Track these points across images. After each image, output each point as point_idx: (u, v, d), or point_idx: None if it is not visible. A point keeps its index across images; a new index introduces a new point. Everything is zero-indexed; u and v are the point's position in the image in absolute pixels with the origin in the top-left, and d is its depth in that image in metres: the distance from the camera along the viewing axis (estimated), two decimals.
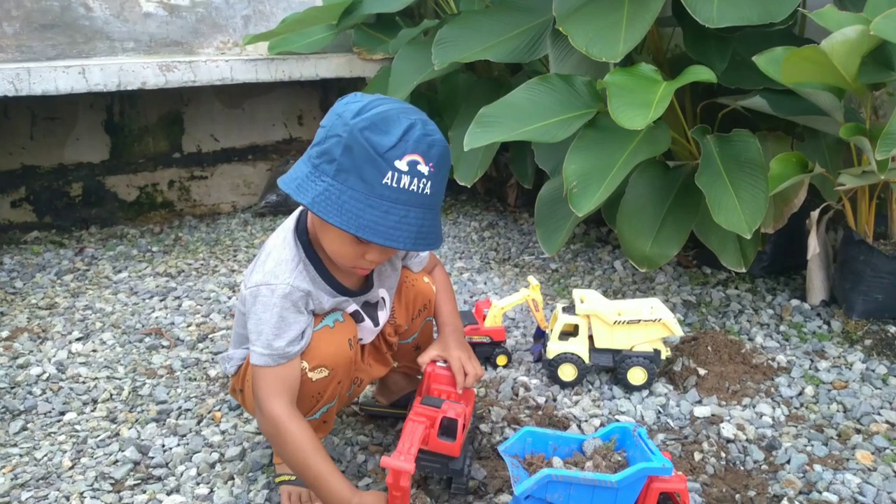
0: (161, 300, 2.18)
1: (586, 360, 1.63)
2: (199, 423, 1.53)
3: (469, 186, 2.43)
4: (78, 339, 1.92)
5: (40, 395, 1.65)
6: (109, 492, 1.31)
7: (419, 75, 2.48)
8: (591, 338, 1.65)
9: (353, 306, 1.25)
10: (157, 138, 3.12)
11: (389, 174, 1.03)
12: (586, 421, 1.51)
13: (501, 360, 1.75)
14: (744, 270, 1.93)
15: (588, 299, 1.67)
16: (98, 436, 1.49)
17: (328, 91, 3.37)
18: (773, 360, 1.74)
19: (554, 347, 1.63)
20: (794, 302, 2.02)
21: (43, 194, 2.94)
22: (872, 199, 1.89)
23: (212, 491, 1.31)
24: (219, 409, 1.57)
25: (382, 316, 1.31)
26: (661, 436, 1.47)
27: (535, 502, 1.11)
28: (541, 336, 1.79)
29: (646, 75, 1.79)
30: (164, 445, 1.45)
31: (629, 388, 1.63)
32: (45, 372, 1.74)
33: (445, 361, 1.32)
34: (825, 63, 1.57)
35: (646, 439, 1.18)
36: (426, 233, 1.07)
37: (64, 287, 2.30)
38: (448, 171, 1.12)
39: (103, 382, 1.70)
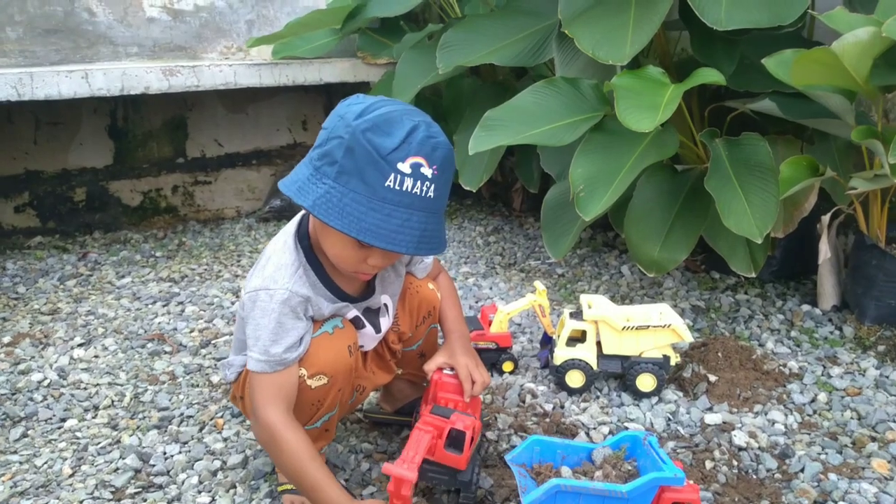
0: (164, 305, 2.17)
1: (594, 367, 1.60)
2: (201, 430, 1.51)
3: (474, 191, 2.41)
4: (80, 345, 1.91)
5: (41, 401, 1.63)
6: (109, 500, 1.29)
7: (423, 79, 2.47)
8: (599, 344, 1.63)
9: (353, 312, 1.22)
10: (161, 143, 3.11)
11: (392, 177, 1.01)
12: (595, 428, 1.49)
13: (508, 366, 1.73)
14: (753, 275, 1.90)
15: (596, 304, 1.64)
16: (99, 443, 1.47)
17: (332, 96, 3.36)
18: (785, 366, 1.71)
19: (561, 353, 1.61)
20: (805, 307, 1.99)
21: (46, 199, 2.92)
22: (885, 202, 1.86)
23: (213, 500, 1.29)
24: (221, 416, 1.55)
25: (384, 322, 1.29)
26: (671, 443, 1.44)
27: None
28: (548, 342, 1.77)
29: (653, 78, 1.77)
30: (165, 453, 1.43)
31: (638, 395, 1.60)
32: (46, 378, 1.72)
33: (452, 369, 1.30)
34: (836, 65, 1.55)
35: (657, 448, 1.15)
36: (429, 237, 1.05)
37: (67, 292, 2.29)
38: (452, 175, 1.10)
39: (105, 389, 1.68)
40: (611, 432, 1.48)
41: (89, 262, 2.57)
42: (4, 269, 2.47)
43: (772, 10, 1.70)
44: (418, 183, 1.02)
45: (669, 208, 1.93)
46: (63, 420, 1.56)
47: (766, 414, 1.54)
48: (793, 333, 1.88)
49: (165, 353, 1.86)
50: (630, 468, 1.17)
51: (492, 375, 1.71)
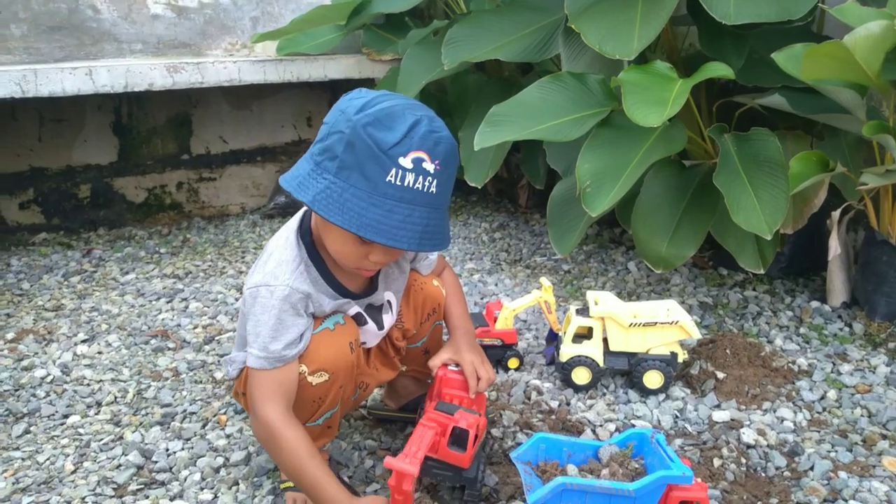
0: (168, 302, 2.16)
1: (601, 364, 1.59)
2: (204, 426, 1.50)
3: (479, 187, 2.39)
4: (83, 341, 1.90)
5: (44, 397, 1.62)
6: (112, 497, 1.28)
7: (428, 75, 2.45)
8: (605, 340, 1.61)
9: (355, 308, 1.21)
10: (166, 140, 3.10)
11: (393, 172, 1.00)
12: (601, 426, 1.47)
13: (513, 363, 1.71)
14: (762, 272, 1.88)
15: (602, 301, 1.62)
16: (101, 439, 1.46)
17: (337, 92, 3.34)
18: (794, 363, 1.69)
19: (567, 350, 1.59)
20: (814, 304, 1.97)
21: (51, 196, 2.92)
22: None
23: (216, 496, 1.28)
24: (224, 413, 1.54)
25: (387, 319, 1.28)
26: (678, 441, 1.42)
27: None
28: (553, 338, 1.75)
29: (661, 73, 1.75)
30: (168, 449, 1.42)
31: (645, 392, 1.58)
32: (49, 374, 1.71)
33: (457, 365, 1.28)
34: (847, 59, 1.52)
35: (664, 446, 1.14)
36: (432, 233, 1.03)
37: (71, 289, 2.28)
38: (456, 170, 1.08)
39: (108, 385, 1.67)
40: (617, 430, 1.46)
41: (93, 258, 2.56)
42: (9, 265, 2.47)
43: (781, 4, 1.68)
44: (420, 178, 1.01)
45: (677, 204, 1.91)
46: (66, 416, 1.55)
47: (774, 411, 1.52)
48: (802, 330, 1.86)
49: (169, 349, 1.86)
50: (637, 466, 1.16)
51: (497, 372, 1.69)
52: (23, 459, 1.40)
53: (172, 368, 1.75)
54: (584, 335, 1.62)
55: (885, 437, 1.42)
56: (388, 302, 1.27)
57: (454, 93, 2.79)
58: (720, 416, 1.49)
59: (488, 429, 1.41)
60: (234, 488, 1.30)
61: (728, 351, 1.67)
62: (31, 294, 2.24)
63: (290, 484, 1.22)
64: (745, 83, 1.92)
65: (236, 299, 2.16)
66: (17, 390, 1.65)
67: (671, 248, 1.87)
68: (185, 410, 1.56)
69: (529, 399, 1.58)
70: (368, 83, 2.98)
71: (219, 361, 1.78)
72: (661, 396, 1.58)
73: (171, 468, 1.36)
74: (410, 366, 1.42)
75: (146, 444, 1.44)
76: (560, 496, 1.06)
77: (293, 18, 2.81)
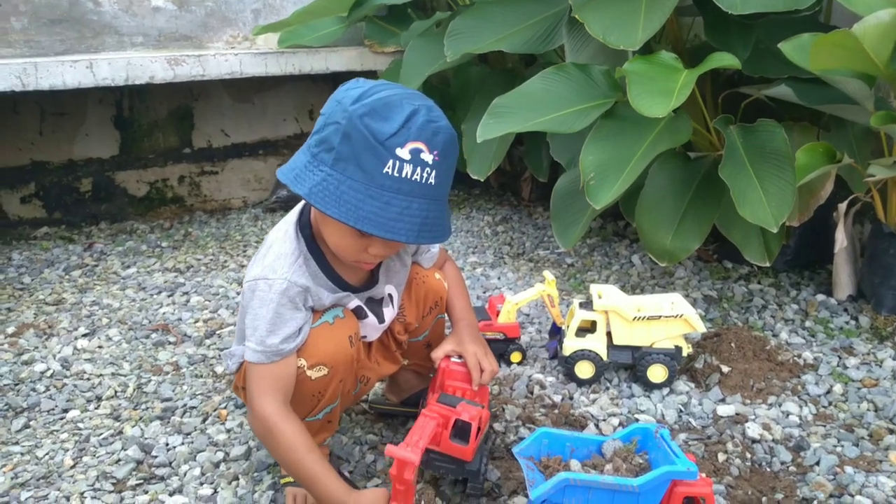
0: (169, 296, 2.15)
1: (604, 357, 1.57)
2: (204, 421, 1.49)
3: (482, 180, 2.38)
4: (84, 336, 1.89)
5: (44, 392, 1.61)
6: (111, 492, 1.27)
7: (431, 67, 2.43)
8: (609, 334, 1.59)
9: (355, 302, 1.20)
10: (167, 133, 3.09)
11: (390, 163, 0.98)
12: (604, 420, 1.46)
13: (516, 356, 1.70)
14: (768, 265, 1.86)
15: (606, 294, 1.61)
16: (101, 434, 1.45)
17: (339, 85, 3.32)
18: (799, 356, 1.67)
19: (571, 344, 1.58)
20: (820, 297, 1.95)
21: (52, 190, 2.91)
22: None
23: (215, 491, 1.27)
24: (225, 407, 1.53)
25: (388, 313, 1.26)
26: (682, 435, 1.41)
27: None
28: (556, 332, 1.74)
29: (666, 63, 1.73)
30: (167, 444, 1.41)
31: (649, 386, 1.57)
32: (49, 368, 1.70)
33: (460, 357, 1.27)
34: (856, 48, 1.50)
35: (669, 441, 1.12)
36: (431, 225, 1.01)
37: (72, 283, 2.27)
38: (455, 161, 1.06)
39: (108, 379, 1.66)
40: (621, 424, 1.45)
41: (95, 252, 2.55)
42: (10, 259, 2.46)
43: None
44: (418, 169, 0.99)
45: (682, 196, 1.89)
46: (65, 411, 1.54)
47: (780, 405, 1.50)
48: (807, 324, 1.84)
49: (170, 343, 1.85)
50: (641, 461, 1.14)
51: (499, 366, 1.68)
52: (22, 454, 1.39)
53: (173, 363, 1.74)
54: (587, 329, 1.60)
55: (892, 431, 1.41)
56: (390, 295, 1.26)
57: (457, 85, 2.76)
58: (725, 410, 1.48)
59: (491, 423, 1.40)
60: (234, 483, 1.29)
61: (733, 345, 1.65)
62: (32, 288, 2.23)
63: (291, 479, 1.21)
64: (751, 74, 1.90)
65: (237, 293, 2.15)
66: (16, 384, 1.64)
67: (676, 240, 1.85)
68: (185, 405, 1.55)
69: (532, 393, 1.56)
70: (371, 75, 2.96)
71: (219, 356, 1.77)
72: (665, 391, 1.56)
73: (170, 463, 1.35)
74: (412, 360, 1.41)
75: (146, 438, 1.43)
76: (563, 492, 1.04)
77: (295, 10, 2.79)
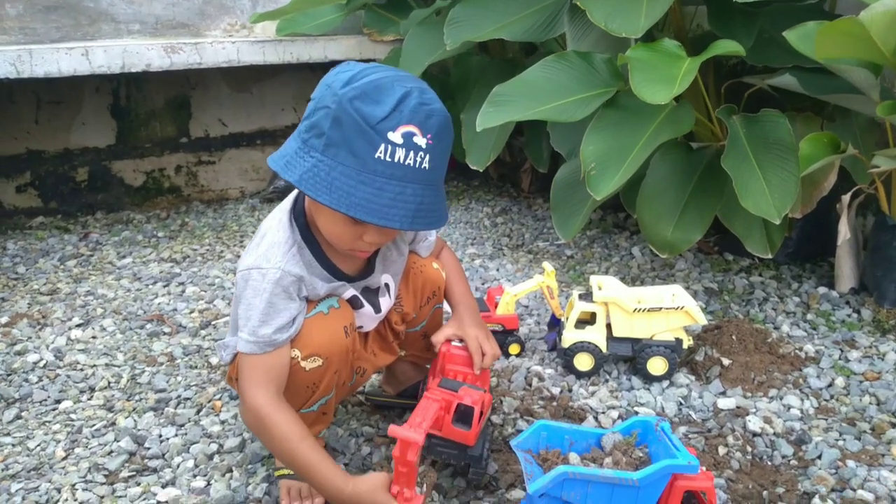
0: (164, 286, 2.13)
1: (604, 350, 1.55)
2: (198, 412, 1.47)
3: (481, 171, 2.35)
4: (78, 326, 1.87)
5: (36, 382, 1.60)
6: (102, 484, 1.26)
7: (431, 56, 2.40)
8: (608, 326, 1.57)
9: (350, 291, 1.17)
10: (164, 123, 3.06)
11: (382, 147, 0.95)
12: (603, 413, 1.44)
13: (514, 348, 1.68)
14: (770, 257, 1.84)
15: (606, 286, 1.59)
16: (94, 425, 1.43)
17: None
18: (801, 349, 1.65)
19: (570, 336, 1.56)
20: (822, 289, 1.93)
21: (48, 179, 2.88)
22: None
23: (209, 484, 1.25)
24: (219, 398, 1.51)
25: (385, 303, 1.24)
26: (682, 428, 1.39)
27: (550, 501, 1.04)
28: (556, 324, 1.72)
29: (669, 51, 1.70)
30: (161, 435, 1.39)
31: (649, 379, 1.55)
32: (42, 359, 1.68)
33: (461, 341, 1.24)
34: (863, 36, 1.48)
35: (669, 434, 1.10)
36: (426, 211, 0.99)
37: (67, 273, 2.25)
38: (450, 144, 1.03)
39: (101, 370, 1.64)
40: (620, 417, 1.43)
41: (90, 242, 2.53)
42: (5, 249, 2.44)
43: None
44: (411, 153, 0.96)
45: (684, 187, 1.87)
46: (58, 402, 1.52)
47: (781, 399, 1.48)
48: (809, 316, 1.82)
49: (164, 334, 1.83)
50: (641, 455, 1.12)
51: (495, 362, 1.66)
52: (13, 445, 1.38)
53: (167, 353, 1.72)
54: (586, 321, 1.58)
55: (894, 425, 1.39)
56: (386, 285, 1.23)
57: (457, 74, 2.74)
58: (725, 403, 1.46)
59: (489, 415, 1.38)
60: (228, 475, 1.27)
61: (734, 337, 1.64)
62: (27, 278, 2.21)
63: (285, 471, 1.19)
64: (755, 63, 1.87)
65: (233, 283, 2.13)
66: (9, 375, 1.62)
67: (677, 232, 1.83)
68: (179, 396, 1.53)
69: (530, 385, 1.54)
70: None
71: (215, 347, 1.75)
72: (665, 383, 1.55)
73: (163, 455, 1.34)
74: (409, 350, 1.39)
75: (139, 430, 1.41)
76: (562, 485, 1.03)
77: None
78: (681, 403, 1.48)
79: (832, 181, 1.84)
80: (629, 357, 1.58)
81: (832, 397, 1.49)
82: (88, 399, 1.53)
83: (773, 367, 1.58)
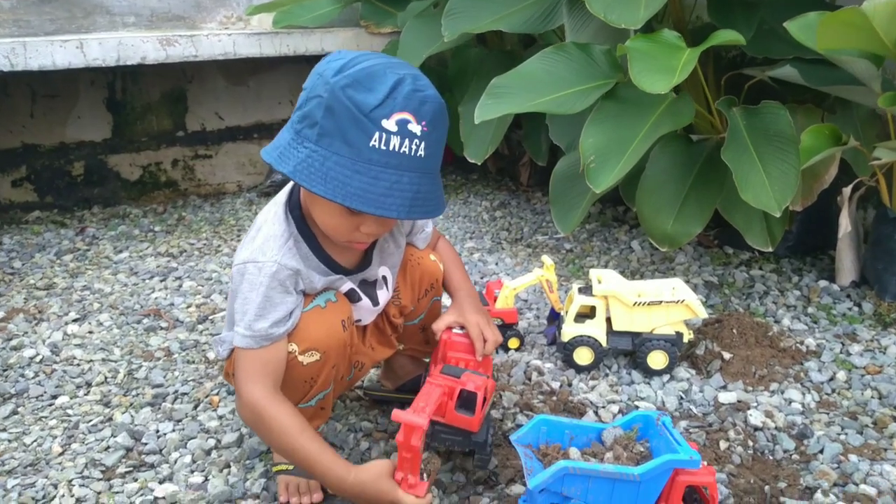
0: (161, 280, 2.11)
1: (604, 344, 1.54)
2: (195, 407, 1.46)
3: (479, 164, 2.34)
4: (74, 321, 1.85)
5: (32, 377, 1.58)
6: (99, 479, 1.24)
7: (428, 48, 2.38)
8: (608, 320, 1.56)
9: (348, 285, 1.16)
10: (161, 116, 3.03)
11: (377, 135, 0.94)
12: (604, 407, 1.43)
13: (513, 342, 1.67)
14: (770, 250, 1.83)
15: (606, 280, 1.58)
16: (90, 420, 1.42)
17: None
18: (802, 343, 1.64)
19: (569, 330, 1.55)
20: (823, 283, 1.92)
21: (44, 173, 2.86)
22: None
23: (206, 479, 1.24)
24: (217, 393, 1.50)
25: (382, 295, 1.23)
26: (683, 423, 1.38)
27: (550, 496, 1.03)
28: (555, 318, 1.71)
29: (669, 42, 1.69)
30: (158, 431, 1.38)
31: (649, 373, 1.54)
32: (38, 354, 1.67)
33: (462, 328, 1.23)
34: (865, 27, 1.46)
35: (671, 428, 1.09)
36: (423, 199, 0.98)
37: (63, 267, 2.24)
38: (445, 132, 1.02)
39: (98, 365, 1.63)
40: (620, 411, 1.42)
41: (87, 236, 2.51)
42: (1, 243, 2.42)
43: None
44: (406, 141, 0.95)
45: (684, 180, 1.85)
46: (54, 397, 1.51)
47: (782, 393, 1.48)
48: (810, 310, 1.82)
49: (161, 328, 1.81)
50: (642, 450, 1.11)
51: (497, 352, 1.65)
52: (9, 441, 1.36)
53: (164, 348, 1.71)
54: (586, 314, 1.57)
55: None
56: (384, 277, 1.22)
57: (455, 67, 2.72)
58: (726, 397, 1.45)
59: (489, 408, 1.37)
60: (226, 471, 1.26)
61: (734, 331, 1.63)
62: (23, 273, 2.19)
63: (283, 467, 1.18)
64: (755, 55, 1.86)
65: (230, 278, 2.11)
66: (5, 370, 1.61)
67: (677, 225, 1.82)
68: (176, 391, 1.52)
69: (530, 380, 1.53)
70: None
71: (212, 341, 1.73)
72: (666, 377, 1.54)
73: (160, 450, 1.33)
74: (408, 344, 1.38)
75: (136, 425, 1.40)
76: (562, 480, 1.02)
77: None
78: (681, 398, 1.47)
79: (833, 174, 1.83)
80: (629, 351, 1.57)
81: (834, 391, 1.49)
82: (85, 394, 1.52)
83: (774, 360, 1.57)
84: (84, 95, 2.87)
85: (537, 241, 2.37)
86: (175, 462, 1.29)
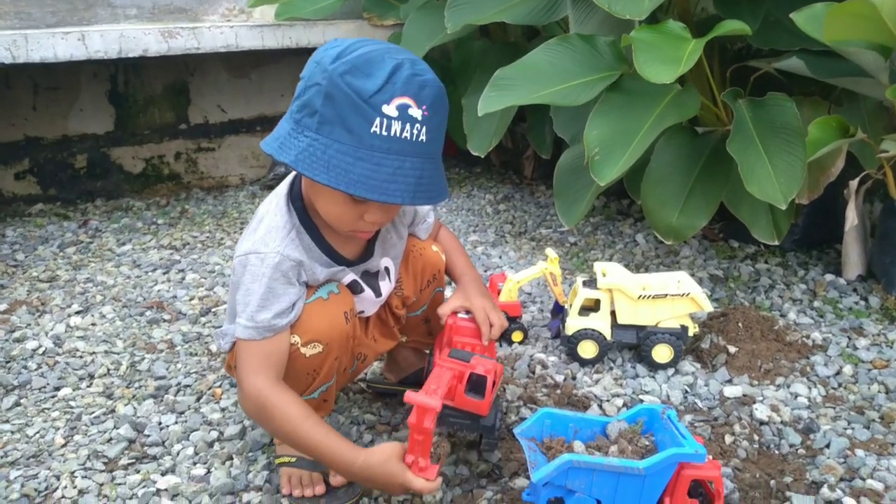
0: (164, 273, 2.11)
1: (608, 337, 1.53)
2: (198, 399, 1.46)
3: (483, 157, 2.33)
4: (77, 313, 1.85)
5: (35, 369, 1.58)
6: (102, 471, 1.24)
7: (432, 40, 2.37)
8: (613, 313, 1.55)
9: (350, 276, 1.15)
10: (163, 109, 3.03)
11: (377, 121, 0.93)
12: (608, 401, 1.42)
13: (517, 336, 1.66)
14: (776, 243, 1.81)
15: (611, 272, 1.57)
16: (93, 412, 1.42)
17: None
18: (808, 337, 1.63)
19: (574, 323, 1.54)
20: (829, 277, 1.91)
21: (47, 166, 2.86)
22: None
23: (209, 471, 1.23)
24: (219, 386, 1.50)
25: (385, 286, 1.22)
26: (688, 417, 1.37)
27: (554, 489, 1.02)
28: (559, 311, 1.70)
29: (674, 32, 1.67)
30: (160, 423, 1.37)
31: (654, 367, 1.53)
32: (41, 346, 1.67)
33: (467, 312, 1.22)
34: (873, 18, 1.45)
35: (676, 422, 1.08)
36: (427, 185, 0.97)
37: (66, 260, 2.23)
38: (446, 116, 1.01)
39: (101, 357, 1.63)
40: (625, 405, 1.41)
41: (90, 229, 2.51)
42: (4, 236, 2.42)
43: None
44: (407, 126, 0.94)
45: (689, 172, 1.84)
46: (57, 389, 1.51)
47: (788, 387, 1.46)
48: (816, 304, 1.80)
49: (164, 321, 1.81)
50: (647, 443, 1.10)
51: (500, 346, 1.64)
52: (12, 432, 1.36)
53: (167, 340, 1.70)
54: (590, 308, 1.56)
55: None
56: (386, 268, 1.21)
57: (458, 59, 2.70)
58: (732, 391, 1.44)
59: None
60: (228, 463, 1.26)
61: (740, 324, 1.62)
62: (26, 265, 2.19)
63: (285, 459, 1.18)
64: (761, 47, 1.85)
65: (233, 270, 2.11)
66: (8, 362, 1.61)
67: (682, 218, 1.80)
68: (179, 383, 1.51)
69: (534, 373, 1.53)
70: None
71: (214, 334, 1.73)
72: (671, 371, 1.53)
73: (163, 442, 1.32)
74: (411, 336, 1.37)
75: (138, 417, 1.40)
76: (566, 474, 1.01)
77: None
78: (686, 391, 1.46)
79: (840, 166, 1.81)
80: (634, 345, 1.56)
81: (840, 385, 1.48)
82: (88, 386, 1.52)
83: (779, 354, 1.56)
84: (86, 88, 2.87)
85: (541, 235, 2.36)
86: (177, 454, 1.28)
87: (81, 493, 1.19)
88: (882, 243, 1.83)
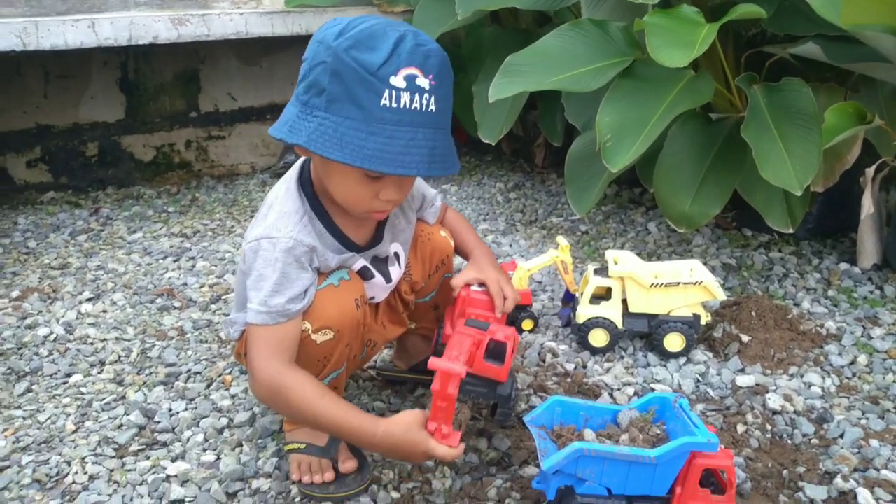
0: (175, 260, 2.11)
1: (619, 326, 1.52)
2: (208, 386, 1.46)
3: (493, 144, 2.31)
4: (88, 300, 1.86)
5: (47, 356, 1.59)
6: (112, 457, 1.25)
7: (442, 27, 2.35)
8: (624, 302, 1.54)
9: (360, 262, 1.15)
10: (173, 97, 3.02)
11: (386, 93, 0.92)
12: (619, 389, 1.41)
13: (527, 324, 1.65)
14: (791, 231, 1.79)
15: (622, 260, 1.55)
16: (104, 399, 1.42)
17: None
18: (822, 326, 1.61)
19: (585, 311, 1.53)
20: (843, 266, 1.88)
21: (58, 154, 2.87)
22: None
23: (218, 458, 1.24)
24: (229, 373, 1.50)
25: (395, 272, 1.21)
26: (700, 406, 1.36)
27: (564, 478, 1.02)
28: (569, 300, 1.69)
29: (687, 17, 1.65)
30: (171, 410, 1.38)
31: (665, 355, 1.52)
32: (52, 333, 1.68)
33: (481, 285, 1.21)
34: (891, 1, 1.42)
35: (688, 411, 1.07)
36: (440, 155, 0.96)
37: (77, 247, 2.24)
38: (452, 85, 1.00)
39: (112, 344, 1.63)
40: (636, 394, 1.40)
41: (101, 217, 2.52)
42: (16, 223, 2.43)
43: None
44: (416, 96, 0.94)
45: (702, 159, 1.82)
46: (68, 375, 1.51)
47: (801, 376, 1.45)
48: (830, 293, 1.78)
49: (174, 308, 1.81)
50: (659, 432, 1.10)
51: None
52: (24, 418, 1.37)
53: (178, 328, 1.71)
54: (602, 296, 1.55)
55: None
56: (396, 254, 1.21)
57: (469, 46, 2.68)
58: (744, 380, 1.43)
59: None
60: (238, 450, 1.26)
61: (753, 313, 1.60)
62: (38, 252, 2.20)
63: (295, 446, 1.17)
64: (776, 32, 1.81)
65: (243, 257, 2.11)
66: (20, 349, 1.62)
67: (695, 205, 1.78)
68: (189, 370, 1.52)
69: (544, 361, 1.52)
70: None
71: (222, 322, 1.73)
72: (683, 360, 1.52)
73: (173, 429, 1.33)
74: (420, 323, 1.36)
75: (149, 403, 1.40)
76: (576, 462, 1.00)
77: None
78: (698, 381, 1.45)
79: (856, 153, 1.79)
80: (645, 333, 1.55)
81: (854, 375, 1.46)
82: (98, 373, 1.52)
83: (793, 344, 1.54)
84: (97, 76, 2.86)
85: (552, 223, 2.35)
86: (187, 440, 1.29)
87: (92, 478, 1.20)
88: None
